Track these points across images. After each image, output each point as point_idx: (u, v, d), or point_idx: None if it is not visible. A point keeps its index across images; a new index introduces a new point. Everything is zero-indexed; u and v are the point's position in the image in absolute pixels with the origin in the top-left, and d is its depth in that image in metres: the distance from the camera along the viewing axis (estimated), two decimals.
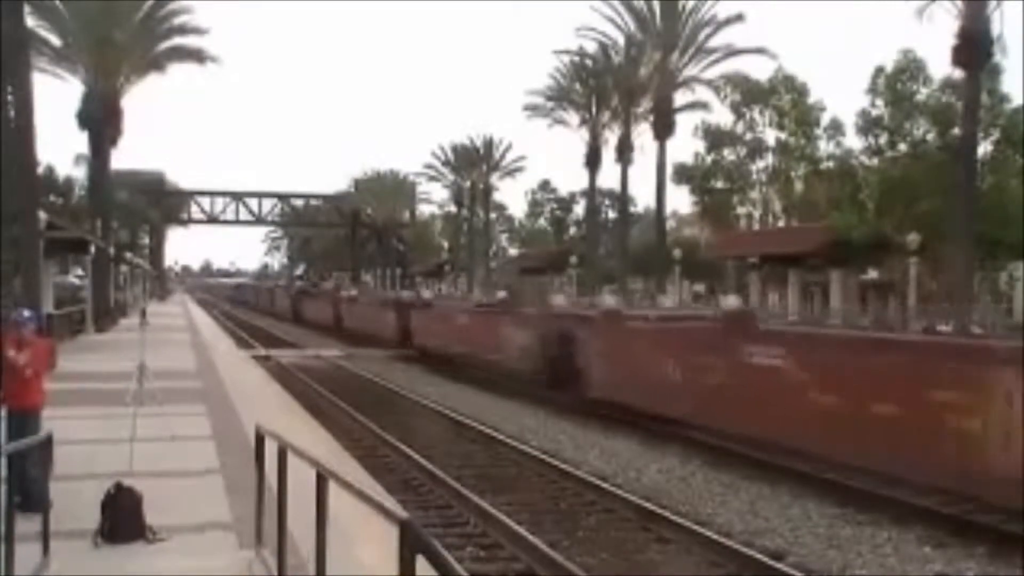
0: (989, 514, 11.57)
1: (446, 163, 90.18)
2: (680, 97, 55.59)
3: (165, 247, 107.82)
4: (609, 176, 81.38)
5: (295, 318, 68.82)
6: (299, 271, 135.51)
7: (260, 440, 7.56)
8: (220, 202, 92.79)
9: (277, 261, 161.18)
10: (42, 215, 26.76)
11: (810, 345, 15.56)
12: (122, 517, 7.91)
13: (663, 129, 53.12)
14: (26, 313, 9.73)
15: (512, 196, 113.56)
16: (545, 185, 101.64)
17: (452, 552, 9.56)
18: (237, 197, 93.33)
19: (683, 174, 64.63)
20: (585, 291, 52.49)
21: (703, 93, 57.17)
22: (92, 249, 37.99)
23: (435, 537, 4.01)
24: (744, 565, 10.08)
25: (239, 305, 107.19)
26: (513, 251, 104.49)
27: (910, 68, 52.41)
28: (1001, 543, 10.98)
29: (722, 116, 62.52)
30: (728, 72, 57.62)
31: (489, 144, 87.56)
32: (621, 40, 57.33)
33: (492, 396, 25.45)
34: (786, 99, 61.68)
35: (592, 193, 66.56)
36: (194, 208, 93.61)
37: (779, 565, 9.97)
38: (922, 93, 52.58)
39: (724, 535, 11.15)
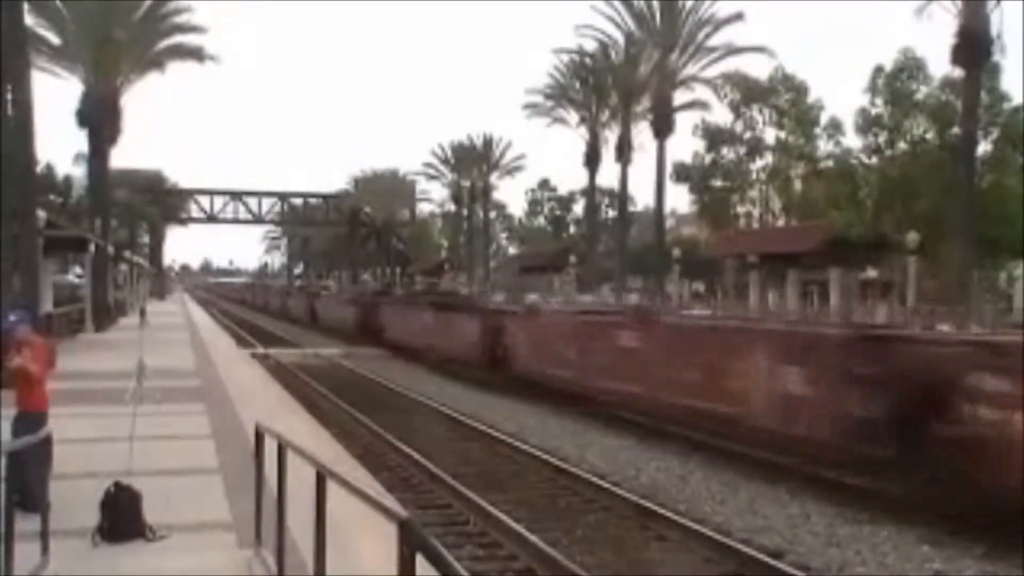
0: None
1: (445, 162, 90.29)
2: (679, 96, 55.80)
3: (164, 246, 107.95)
4: (609, 175, 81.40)
5: (370, 338, 41.67)
6: (299, 270, 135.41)
7: (259, 438, 7.53)
8: (219, 201, 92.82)
9: (276, 260, 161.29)
10: (41, 214, 26.73)
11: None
12: (121, 516, 7.90)
13: (662, 128, 53.17)
14: (12, 317, 9.38)
15: (511, 195, 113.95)
16: (544, 184, 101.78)
17: (451, 551, 9.56)
18: (236, 196, 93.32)
19: (682, 173, 64.70)
20: (584, 289, 52.48)
21: (702, 92, 57.39)
22: (91, 248, 37.96)
23: (434, 536, 4.00)
24: (743, 563, 10.07)
25: (255, 312, 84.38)
26: (512, 250, 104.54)
27: (909, 67, 52.45)
28: (1000, 542, 10.98)
29: (721, 115, 62.66)
30: (727, 71, 57.86)
31: (488, 143, 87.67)
32: (621, 39, 57.44)
33: (492, 395, 25.44)
34: (785, 98, 61.76)
35: (591, 192, 66.59)
36: (193, 207, 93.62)
37: (778, 563, 9.97)
38: (921, 92, 52.61)
39: (723, 533, 11.13)
